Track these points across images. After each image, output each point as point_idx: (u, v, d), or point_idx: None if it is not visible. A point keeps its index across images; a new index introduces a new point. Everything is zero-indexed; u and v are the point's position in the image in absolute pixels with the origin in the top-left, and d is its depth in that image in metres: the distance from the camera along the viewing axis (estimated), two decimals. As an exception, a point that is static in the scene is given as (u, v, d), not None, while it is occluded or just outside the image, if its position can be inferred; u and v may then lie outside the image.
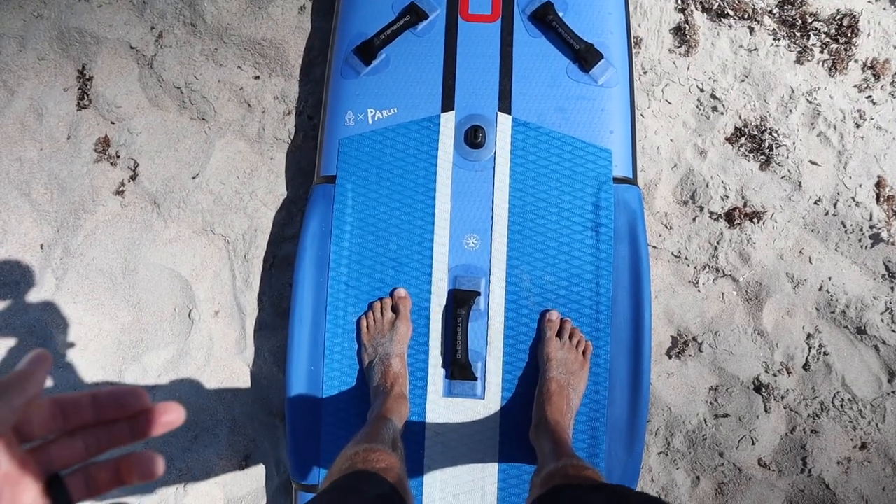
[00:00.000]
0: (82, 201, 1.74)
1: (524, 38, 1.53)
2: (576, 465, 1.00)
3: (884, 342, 1.61)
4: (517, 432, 1.42)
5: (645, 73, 1.69)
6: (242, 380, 1.69)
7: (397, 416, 1.28)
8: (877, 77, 1.66)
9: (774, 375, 1.62)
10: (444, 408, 1.44)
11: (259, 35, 1.73)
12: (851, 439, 1.61)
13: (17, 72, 1.78)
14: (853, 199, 1.63)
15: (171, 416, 0.46)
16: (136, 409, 0.46)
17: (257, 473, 1.67)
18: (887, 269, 1.62)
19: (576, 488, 0.90)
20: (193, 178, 1.73)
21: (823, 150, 1.65)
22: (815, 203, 1.64)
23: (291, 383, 1.46)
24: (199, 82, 1.75)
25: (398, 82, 1.53)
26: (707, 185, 1.65)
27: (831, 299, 1.63)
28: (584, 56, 1.50)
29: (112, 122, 1.77)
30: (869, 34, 1.66)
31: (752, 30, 1.68)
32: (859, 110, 1.65)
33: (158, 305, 1.71)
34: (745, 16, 1.67)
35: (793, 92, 1.66)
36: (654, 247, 1.66)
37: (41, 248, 1.75)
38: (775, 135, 1.64)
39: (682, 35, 1.68)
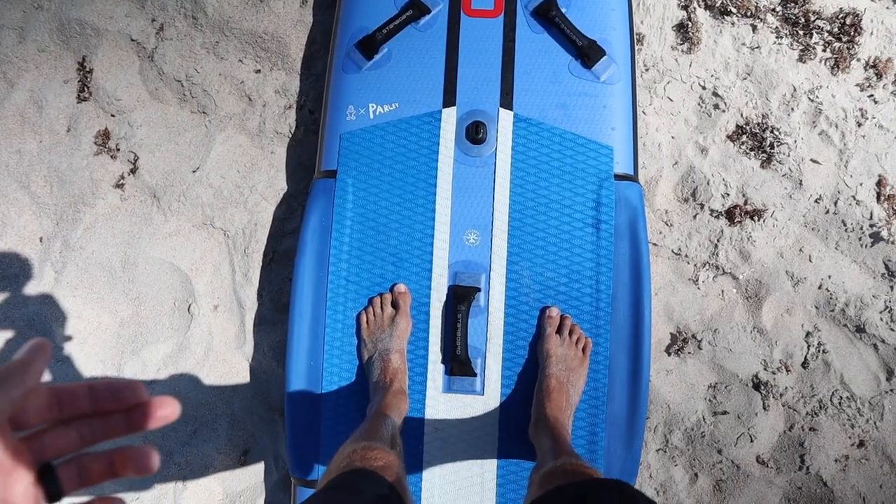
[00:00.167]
0: (82, 194, 1.74)
1: (526, 33, 1.53)
2: (574, 464, 1.00)
3: (883, 341, 1.62)
4: (516, 429, 1.42)
5: (647, 70, 1.69)
6: (242, 374, 1.69)
7: (396, 412, 1.28)
8: (879, 76, 1.65)
9: (773, 373, 1.62)
10: (443, 404, 1.44)
11: (260, 28, 1.73)
12: (849, 437, 1.61)
13: (17, 63, 1.77)
14: (854, 197, 1.63)
15: (166, 411, 0.46)
16: (132, 402, 0.46)
17: (256, 468, 1.67)
18: (887, 267, 1.62)
19: (578, 486, 0.90)
20: (194, 171, 1.72)
21: (825, 149, 1.65)
22: (816, 201, 1.64)
23: (291, 378, 1.46)
24: (199, 75, 1.74)
25: (400, 77, 1.53)
26: (708, 183, 1.65)
27: (831, 298, 1.63)
28: (587, 52, 1.50)
29: (112, 115, 1.76)
30: (872, 33, 1.66)
31: (754, 27, 1.68)
32: (861, 109, 1.65)
33: (158, 299, 1.71)
34: (748, 13, 1.67)
35: (795, 90, 1.66)
36: (655, 244, 1.66)
37: (40, 241, 1.75)
38: (777, 133, 1.64)
39: (685, 32, 1.68)
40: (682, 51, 1.69)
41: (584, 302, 1.45)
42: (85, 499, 0.45)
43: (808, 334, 1.63)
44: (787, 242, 1.64)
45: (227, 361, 1.69)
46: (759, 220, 1.63)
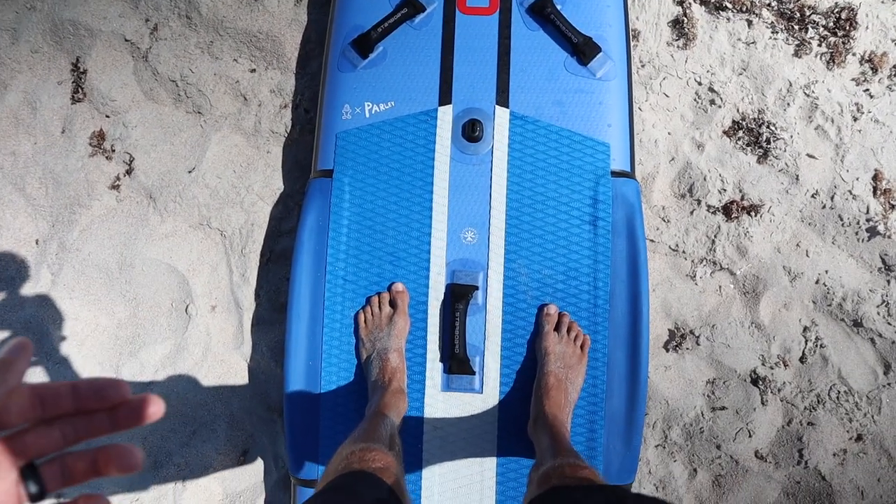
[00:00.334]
0: (77, 196, 1.73)
1: (522, 31, 1.53)
2: (572, 465, 1.00)
3: (880, 335, 1.62)
4: (515, 426, 1.42)
5: (643, 66, 1.69)
6: (240, 375, 1.69)
7: (395, 411, 1.28)
8: (874, 70, 1.66)
9: (771, 368, 1.63)
10: (442, 402, 1.44)
11: (255, 27, 1.72)
12: (847, 431, 1.62)
13: (10, 65, 1.77)
14: (850, 192, 1.64)
15: (151, 409, 0.46)
16: (116, 401, 0.46)
17: (256, 468, 1.67)
18: (884, 262, 1.62)
19: (572, 490, 0.90)
20: (189, 172, 1.72)
21: (821, 144, 1.65)
22: (813, 196, 1.64)
23: (289, 378, 1.46)
24: (194, 75, 1.74)
25: (395, 76, 1.52)
26: (705, 179, 1.65)
27: (828, 292, 1.63)
28: (583, 49, 1.50)
29: (107, 116, 1.76)
30: (867, 27, 1.66)
31: (750, 23, 1.68)
32: (857, 104, 1.65)
33: (155, 300, 1.70)
34: (744, 8, 1.67)
35: (790, 85, 1.66)
36: (652, 240, 1.66)
37: (36, 243, 1.74)
38: (773, 128, 1.64)
39: (681, 28, 1.68)
40: (678, 47, 1.69)
41: (582, 299, 1.45)
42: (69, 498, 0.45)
43: (805, 329, 1.64)
44: (784, 237, 1.65)
45: (225, 362, 1.69)
46: (755, 215, 1.64)
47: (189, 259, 1.71)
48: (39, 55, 1.77)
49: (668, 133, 1.68)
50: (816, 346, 1.63)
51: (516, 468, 1.42)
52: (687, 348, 1.64)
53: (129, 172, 1.73)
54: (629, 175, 1.50)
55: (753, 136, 1.65)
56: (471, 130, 1.48)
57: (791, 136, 1.64)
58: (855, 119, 1.65)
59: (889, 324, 1.61)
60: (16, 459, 0.44)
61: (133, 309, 1.71)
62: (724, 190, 1.65)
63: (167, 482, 1.65)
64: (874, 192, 1.63)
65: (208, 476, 1.65)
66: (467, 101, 1.51)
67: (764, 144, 1.64)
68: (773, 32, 1.68)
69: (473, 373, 1.44)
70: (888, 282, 1.63)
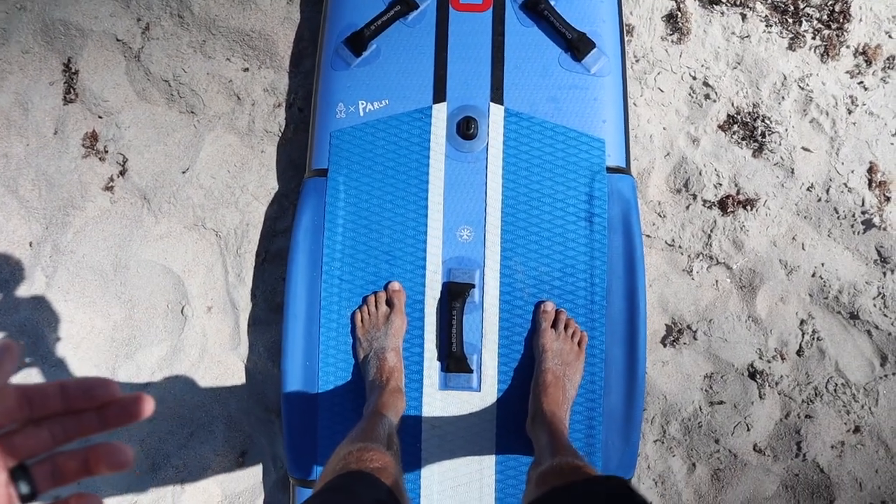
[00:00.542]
0: (71, 198, 1.72)
1: (516, 27, 1.52)
2: (571, 464, 1.00)
3: (876, 327, 1.62)
4: (514, 424, 1.42)
5: (637, 61, 1.68)
6: (237, 376, 1.69)
7: (393, 410, 1.28)
8: (868, 63, 1.65)
9: (768, 362, 1.63)
10: (440, 401, 1.44)
11: (247, 26, 1.71)
12: (845, 423, 1.62)
13: (1, 66, 1.75)
14: (845, 185, 1.64)
15: (140, 407, 0.46)
16: (104, 400, 0.45)
17: (254, 469, 1.66)
18: (879, 254, 1.63)
19: (572, 488, 0.90)
20: (183, 172, 1.71)
21: (816, 137, 1.65)
22: (808, 189, 1.64)
23: (287, 378, 1.46)
24: (187, 75, 1.73)
25: (389, 74, 1.52)
26: (700, 174, 1.65)
27: (824, 285, 1.63)
28: (577, 45, 1.49)
29: (99, 117, 1.75)
30: (861, 20, 1.66)
31: (744, 16, 1.68)
32: (851, 96, 1.65)
33: (151, 302, 1.70)
34: (737, 2, 1.67)
35: (785, 78, 1.66)
36: (648, 235, 1.66)
37: (30, 245, 1.73)
38: (768, 122, 1.64)
39: (675, 22, 1.68)
40: (672, 41, 1.69)
41: (579, 296, 1.45)
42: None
43: (802, 322, 1.64)
44: (779, 231, 1.65)
45: (222, 363, 1.68)
46: (751, 209, 1.64)
47: (184, 260, 1.70)
48: (30, 55, 1.76)
49: (664, 128, 1.68)
50: (813, 338, 1.63)
51: (515, 466, 1.42)
52: (684, 343, 1.64)
53: (122, 173, 1.73)
54: (625, 171, 1.50)
55: (748, 130, 1.65)
56: (465, 128, 1.48)
57: (786, 130, 1.64)
58: (849, 112, 1.65)
59: (885, 315, 1.62)
60: (5, 460, 0.43)
61: (129, 311, 1.70)
62: (720, 184, 1.65)
63: (165, 484, 1.65)
64: (869, 185, 1.63)
65: (207, 478, 1.65)
66: (462, 99, 1.50)
67: (759, 138, 1.64)
68: (767, 26, 1.68)
69: (471, 371, 1.43)
70: (884, 274, 1.63)
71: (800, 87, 1.66)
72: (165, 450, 1.66)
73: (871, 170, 1.63)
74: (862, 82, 1.66)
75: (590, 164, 1.47)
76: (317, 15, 1.69)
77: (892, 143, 1.64)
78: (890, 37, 1.66)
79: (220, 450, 1.65)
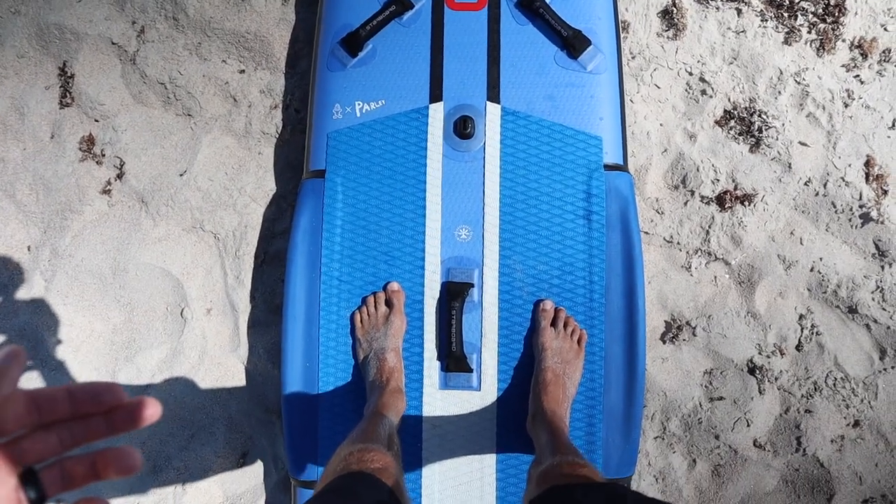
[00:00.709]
0: (69, 201, 1.72)
1: (511, 25, 1.52)
2: (571, 463, 1.00)
3: (875, 321, 1.63)
4: (514, 423, 1.42)
5: (633, 57, 1.68)
6: (237, 377, 1.69)
7: (393, 410, 1.28)
8: (864, 56, 1.65)
9: (768, 357, 1.63)
10: (440, 400, 1.44)
11: (243, 28, 1.71)
12: (844, 417, 1.63)
13: (-3, 71, 1.75)
14: (843, 178, 1.64)
15: (147, 411, 0.46)
16: (111, 404, 0.46)
17: (255, 470, 1.67)
18: (877, 247, 1.63)
19: (572, 488, 0.91)
20: (181, 175, 1.71)
21: (812, 131, 1.65)
22: (805, 184, 1.65)
23: (287, 380, 1.46)
24: (183, 77, 1.72)
25: (385, 74, 1.52)
26: (697, 169, 1.65)
27: (823, 280, 1.64)
28: (572, 43, 1.49)
29: (96, 120, 1.74)
30: (856, 13, 1.66)
31: (739, 11, 1.68)
32: (847, 90, 1.65)
33: (150, 305, 1.70)
34: (733, -3, 1.67)
35: (781, 73, 1.66)
36: (646, 232, 1.66)
37: (28, 249, 1.73)
38: (764, 117, 1.64)
39: (670, 18, 1.67)
40: (668, 37, 1.68)
41: (578, 294, 1.45)
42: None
43: (801, 317, 1.64)
44: (777, 226, 1.65)
45: (222, 365, 1.69)
46: (749, 204, 1.64)
47: (183, 263, 1.70)
48: (25, 60, 1.76)
49: (660, 124, 1.68)
50: (812, 333, 1.63)
51: (516, 464, 1.42)
52: (684, 339, 1.64)
53: (119, 177, 1.72)
54: (622, 168, 1.50)
55: (745, 125, 1.65)
56: (462, 127, 1.47)
57: (783, 125, 1.64)
58: (846, 105, 1.65)
59: (884, 309, 1.62)
60: (14, 465, 0.44)
61: (128, 314, 1.70)
62: (717, 180, 1.65)
63: (167, 486, 1.65)
64: (866, 178, 1.63)
65: (208, 479, 1.65)
66: (458, 98, 1.50)
67: (756, 133, 1.64)
68: (762, 20, 1.67)
69: (471, 370, 1.43)
70: (882, 267, 1.63)
71: (796, 81, 1.66)
72: (166, 452, 1.66)
73: (868, 163, 1.63)
74: (858, 76, 1.66)
75: (587, 162, 1.47)
76: (312, 16, 1.69)
77: (888, 137, 1.64)
78: (885, 30, 1.66)
79: (221, 451, 1.66)
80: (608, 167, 1.48)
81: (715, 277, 1.66)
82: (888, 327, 1.62)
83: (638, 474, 1.62)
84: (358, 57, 1.52)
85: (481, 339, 1.45)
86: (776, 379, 1.63)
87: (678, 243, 1.65)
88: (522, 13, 1.52)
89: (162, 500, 1.65)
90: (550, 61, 1.51)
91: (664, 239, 1.66)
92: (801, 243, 1.64)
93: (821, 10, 1.66)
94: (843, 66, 1.66)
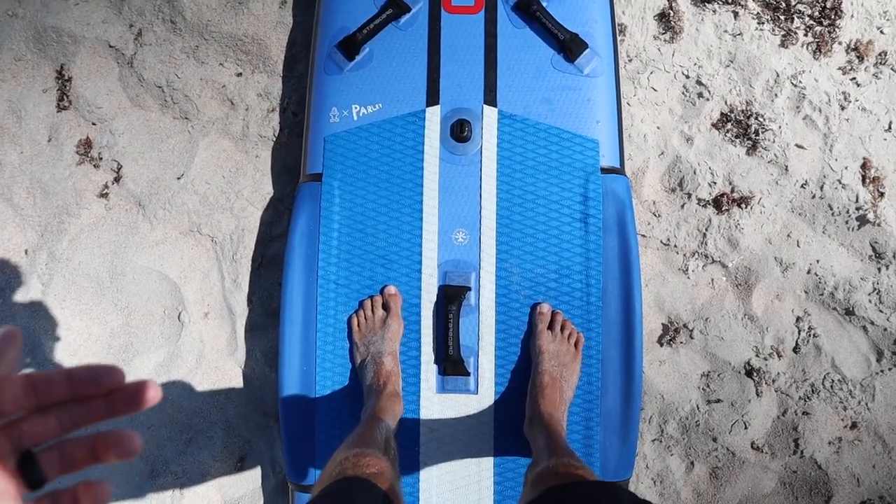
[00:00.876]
0: (66, 205, 1.72)
1: (508, 29, 1.52)
2: (566, 465, 1.00)
3: (872, 322, 1.63)
4: (511, 426, 1.42)
5: (630, 60, 1.68)
6: (235, 381, 1.69)
7: (391, 414, 1.28)
8: (860, 59, 1.66)
9: (765, 359, 1.63)
10: (437, 404, 1.44)
11: (240, 31, 1.71)
12: (842, 419, 1.63)
13: (-6, 75, 1.75)
14: (839, 181, 1.64)
15: (148, 394, 0.45)
16: (111, 386, 0.45)
17: (253, 474, 1.67)
18: (874, 250, 1.63)
19: (568, 489, 0.91)
20: (178, 178, 1.71)
21: (809, 134, 1.66)
22: (802, 187, 1.65)
23: (284, 383, 1.46)
24: (180, 81, 1.73)
25: (382, 77, 1.52)
26: (694, 172, 1.65)
27: (820, 282, 1.64)
28: (569, 46, 1.49)
29: (93, 124, 1.74)
30: (852, 15, 1.66)
31: (736, 14, 1.68)
32: (844, 92, 1.65)
33: (147, 308, 1.70)
34: (729, 0, 1.67)
35: (778, 76, 1.66)
36: (643, 235, 1.66)
37: (25, 253, 1.73)
38: (761, 119, 1.64)
39: (667, 21, 1.68)
40: (665, 40, 1.69)
41: (575, 297, 1.45)
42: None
43: (798, 319, 1.64)
44: (774, 228, 1.65)
45: (219, 368, 1.68)
46: (746, 207, 1.64)
47: (180, 266, 1.70)
48: (23, 63, 1.76)
49: (657, 127, 1.68)
50: (809, 335, 1.64)
51: (514, 468, 1.42)
52: (681, 342, 1.64)
53: (117, 180, 1.72)
54: (619, 171, 1.50)
55: (742, 127, 1.65)
56: (459, 131, 1.48)
57: (779, 127, 1.65)
58: (842, 108, 1.65)
59: (881, 311, 1.62)
60: (13, 448, 0.43)
61: (125, 318, 1.70)
62: (714, 183, 1.65)
63: (165, 490, 1.65)
64: (863, 181, 1.64)
65: (206, 483, 1.65)
66: (455, 102, 1.50)
67: (753, 136, 1.64)
68: (759, 23, 1.68)
69: (468, 374, 1.44)
70: (879, 269, 1.63)
71: (792, 84, 1.66)
72: (164, 456, 1.66)
73: (865, 166, 1.63)
74: (854, 78, 1.66)
75: (584, 165, 1.47)
76: (309, 19, 1.69)
77: (885, 139, 1.64)
78: (881, 32, 1.66)
79: (218, 455, 1.66)
80: (605, 170, 1.48)
81: (712, 280, 1.66)
82: (885, 329, 1.62)
83: (636, 477, 1.62)
84: (355, 60, 1.52)
85: (478, 343, 1.45)
86: (773, 381, 1.63)
87: (675, 246, 1.66)
88: (519, 16, 1.52)
89: (160, 504, 1.65)
90: (547, 65, 1.51)
91: (661, 242, 1.66)
92: (798, 246, 1.65)
93: (817, 13, 1.66)
94: (839, 68, 1.67)
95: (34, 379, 0.44)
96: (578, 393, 1.42)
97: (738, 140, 1.66)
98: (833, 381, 1.63)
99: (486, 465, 1.43)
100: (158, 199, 1.71)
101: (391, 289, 1.45)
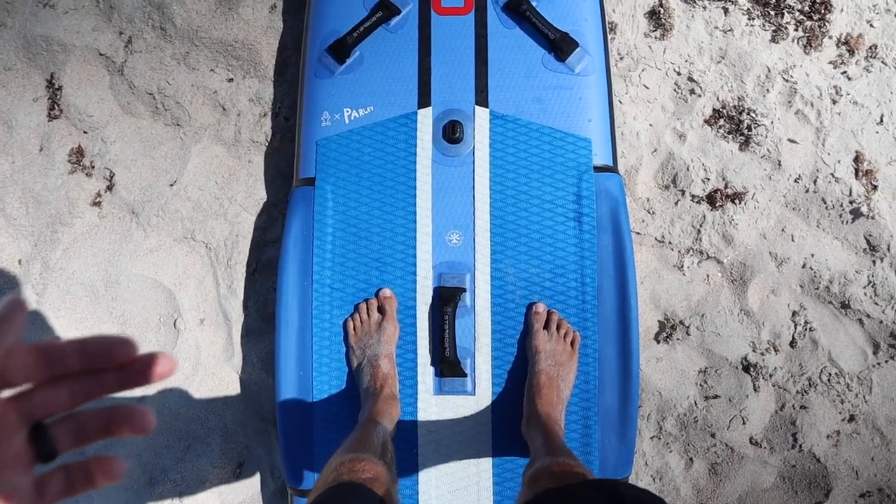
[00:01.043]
0: (59, 214, 1.72)
1: (498, 29, 1.52)
2: (561, 463, 1.00)
3: (868, 315, 1.63)
4: (509, 426, 1.42)
5: (621, 58, 1.68)
6: (232, 387, 1.68)
7: (388, 417, 1.28)
8: (851, 52, 1.66)
9: (762, 354, 1.63)
10: (435, 406, 1.44)
11: (230, 36, 1.70)
12: (840, 412, 1.63)
13: (-16, 85, 1.75)
14: (832, 175, 1.64)
15: (161, 366, 0.44)
16: (124, 359, 0.43)
17: (252, 480, 1.66)
18: (868, 242, 1.63)
19: (565, 489, 0.91)
20: (171, 185, 1.71)
21: (801, 128, 1.66)
22: (796, 181, 1.65)
23: (281, 388, 1.45)
24: (171, 87, 1.72)
25: (373, 80, 1.51)
26: (688, 169, 1.65)
27: (815, 276, 1.64)
28: (560, 45, 1.49)
29: (85, 132, 1.74)
30: (842, 10, 1.66)
31: (726, 10, 1.68)
32: (835, 86, 1.66)
33: (143, 316, 1.69)
34: (719, -4, 1.67)
35: (769, 71, 1.66)
36: (638, 233, 1.66)
37: (19, 263, 1.72)
38: (753, 115, 1.65)
39: (657, 19, 1.68)
40: (656, 37, 1.69)
41: (570, 296, 1.45)
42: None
43: (794, 314, 1.64)
44: (769, 223, 1.65)
45: (216, 375, 1.68)
46: (740, 202, 1.64)
47: (175, 273, 1.69)
48: (13, 72, 1.75)
49: (650, 125, 1.68)
50: (806, 329, 1.64)
51: (512, 468, 1.42)
52: (677, 339, 1.64)
53: (109, 188, 1.72)
54: (612, 169, 1.50)
55: (734, 123, 1.66)
56: (451, 132, 1.47)
57: (772, 122, 1.65)
58: (834, 102, 1.66)
59: (876, 304, 1.62)
60: (23, 420, 0.42)
61: (121, 326, 1.69)
62: (708, 179, 1.65)
63: (164, 499, 1.64)
64: (856, 174, 1.64)
65: (205, 490, 1.64)
66: (447, 103, 1.50)
67: (745, 132, 1.65)
68: (749, 19, 1.68)
69: (465, 375, 1.43)
70: (874, 262, 1.63)
71: (784, 79, 1.66)
72: (162, 464, 1.65)
73: (858, 159, 1.64)
74: (845, 72, 1.66)
75: (577, 164, 1.47)
76: (299, 23, 1.69)
77: (877, 132, 1.65)
78: (871, 26, 1.67)
79: (217, 462, 1.65)
80: (598, 168, 1.48)
81: (707, 276, 1.66)
82: (881, 322, 1.62)
83: (635, 474, 1.62)
84: (345, 64, 1.52)
85: (475, 344, 1.45)
86: (771, 376, 1.63)
87: (670, 243, 1.66)
88: (509, 16, 1.52)
89: (159, 512, 1.65)
90: (538, 64, 1.51)
91: (656, 239, 1.66)
92: (793, 240, 1.65)
93: (807, 8, 1.66)
94: (830, 62, 1.67)
95: (45, 349, 0.42)
96: (576, 392, 1.42)
97: (730, 136, 1.66)
98: (830, 374, 1.63)
99: (484, 465, 1.42)
100: (152, 206, 1.70)
101: (386, 291, 1.45)
